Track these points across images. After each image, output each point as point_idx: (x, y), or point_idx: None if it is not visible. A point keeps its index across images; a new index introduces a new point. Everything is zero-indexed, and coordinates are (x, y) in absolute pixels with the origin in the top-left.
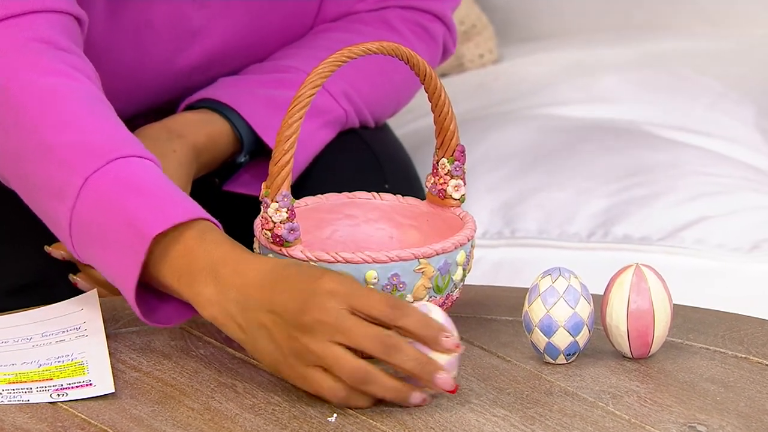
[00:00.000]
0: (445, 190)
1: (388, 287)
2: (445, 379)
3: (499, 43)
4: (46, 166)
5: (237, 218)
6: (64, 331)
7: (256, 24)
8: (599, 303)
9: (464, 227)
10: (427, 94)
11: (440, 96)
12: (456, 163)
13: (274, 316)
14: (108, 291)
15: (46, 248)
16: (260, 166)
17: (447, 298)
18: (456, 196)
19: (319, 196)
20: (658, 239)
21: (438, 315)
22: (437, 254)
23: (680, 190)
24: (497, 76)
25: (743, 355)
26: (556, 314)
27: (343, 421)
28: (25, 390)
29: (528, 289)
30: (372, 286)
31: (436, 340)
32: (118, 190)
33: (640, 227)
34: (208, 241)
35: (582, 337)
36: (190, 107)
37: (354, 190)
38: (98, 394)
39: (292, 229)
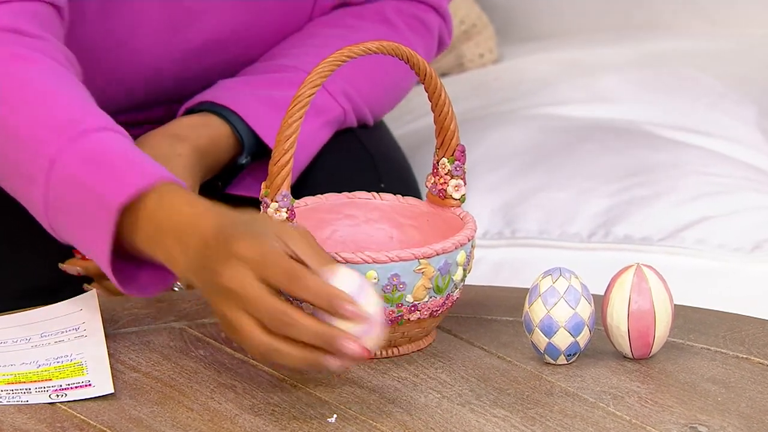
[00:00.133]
0: (445, 190)
1: (388, 287)
2: (351, 347)
3: (500, 42)
4: (13, 150)
5: None
6: (63, 332)
7: (254, 8)
8: (600, 303)
9: (464, 227)
10: (427, 94)
11: (440, 95)
12: (456, 162)
13: (205, 276)
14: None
15: (61, 266)
16: (262, 168)
17: (447, 299)
18: (456, 196)
19: (319, 196)
20: (659, 239)
21: (348, 282)
22: (437, 254)
23: (681, 190)
24: (497, 76)
25: (744, 356)
26: (557, 315)
27: (343, 421)
28: (24, 390)
29: (528, 289)
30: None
31: (336, 310)
32: (83, 166)
33: (641, 227)
34: (167, 203)
35: (583, 338)
36: (189, 112)
37: (349, 190)
38: (97, 395)
39: None
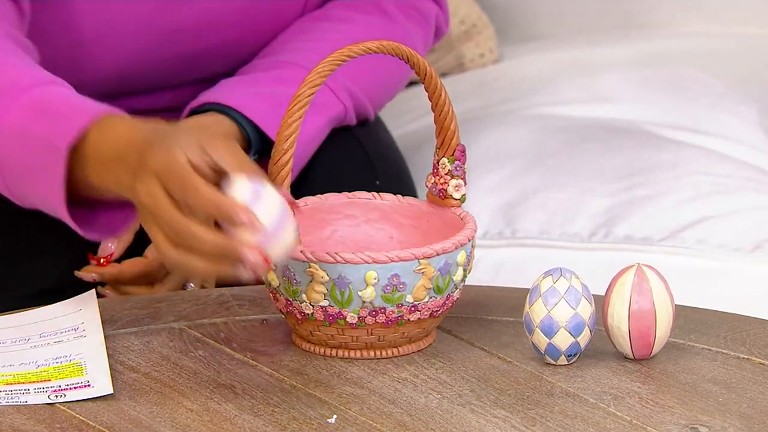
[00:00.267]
0: (445, 190)
1: (388, 288)
2: (251, 256)
3: (500, 42)
4: None
5: None
6: (62, 332)
7: None
8: (600, 303)
9: (465, 227)
10: (427, 93)
11: (441, 95)
12: (456, 162)
13: (131, 193)
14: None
15: (77, 273)
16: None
17: (447, 299)
18: (456, 196)
19: (319, 196)
20: (660, 239)
21: (246, 192)
22: (438, 254)
23: (682, 190)
24: (498, 76)
25: (745, 356)
26: (557, 315)
27: (343, 422)
28: (23, 391)
29: (529, 289)
30: (372, 285)
31: (230, 219)
32: (28, 118)
33: (642, 227)
34: (109, 131)
35: (583, 338)
36: (194, 112)
37: (345, 187)
38: (96, 395)
39: None
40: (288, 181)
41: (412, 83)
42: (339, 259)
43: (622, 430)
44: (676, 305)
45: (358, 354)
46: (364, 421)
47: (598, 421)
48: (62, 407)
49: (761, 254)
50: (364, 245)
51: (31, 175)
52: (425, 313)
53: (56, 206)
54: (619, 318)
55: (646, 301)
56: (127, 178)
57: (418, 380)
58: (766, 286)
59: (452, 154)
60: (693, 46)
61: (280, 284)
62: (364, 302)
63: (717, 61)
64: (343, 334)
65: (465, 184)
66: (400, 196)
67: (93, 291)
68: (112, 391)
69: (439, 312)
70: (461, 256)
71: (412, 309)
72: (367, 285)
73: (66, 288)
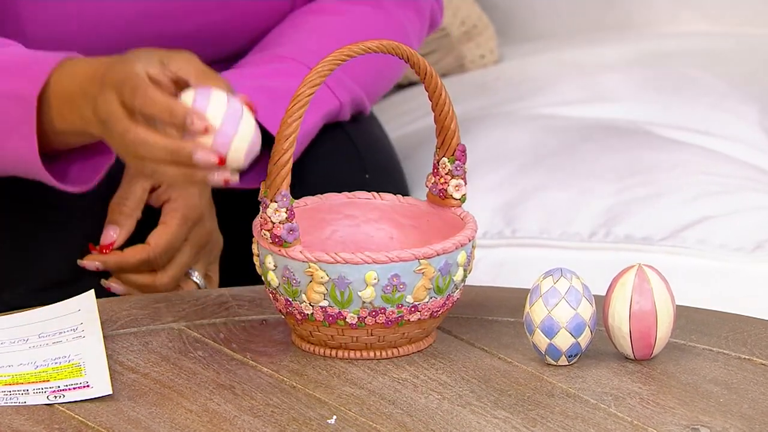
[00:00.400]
0: (445, 190)
1: (389, 288)
2: (203, 156)
3: (500, 43)
4: None
5: (241, 213)
6: (61, 332)
7: None
8: (601, 304)
9: (465, 227)
10: (427, 93)
11: (441, 95)
12: (457, 162)
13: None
14: (141, 292)
15: (80, 262)
16: (263, 161)
17: (448, 299)
18: (457, 195)
19: (319, 196)
20: (660, 239)
21: (194, 96)
22: (438, 255)
23: (682, 189)
24: (498, 76)
25: (747, 357)
26: (558, 315)
27: (343, 423)
28: (22, 392)
29: (529, 289)
30: (372, 285)
31: (182, 126)
32: None
33: (642, 227)
34: (69, 71)
35: (584, 339)
36: None
37: (333, 180)
38: (95, 396)
39: (291, 230)
40: (288, 181)
41: (412, 83)
42: (339, 259)
43: (622, 431)
44: (677, 305)
45: (358, 354)
46: (364, 422)
47: (599, 422)
48: (61, 408)
49: (762, 254)
50: (363, 245)
51: (3, 134)
52: (425, 313)
53: (31, 161)
54: (619, 318)
55: (647, 301)
56: (89, 110)
57: (419, 381)
58: (766, 286)
59: (452, 154)
60: (693, 46)
61: (279, 284)
62: (364, 302)
63: (717, 61)
64: (343, 335)
65: (465, 184)
66: (400, 196)
67: (92, 291)
68: (111, 392)
69: (440, 312)
70: (461, 257)
71: (412, 309)
72: (367, 285)
73: (69, 282)
